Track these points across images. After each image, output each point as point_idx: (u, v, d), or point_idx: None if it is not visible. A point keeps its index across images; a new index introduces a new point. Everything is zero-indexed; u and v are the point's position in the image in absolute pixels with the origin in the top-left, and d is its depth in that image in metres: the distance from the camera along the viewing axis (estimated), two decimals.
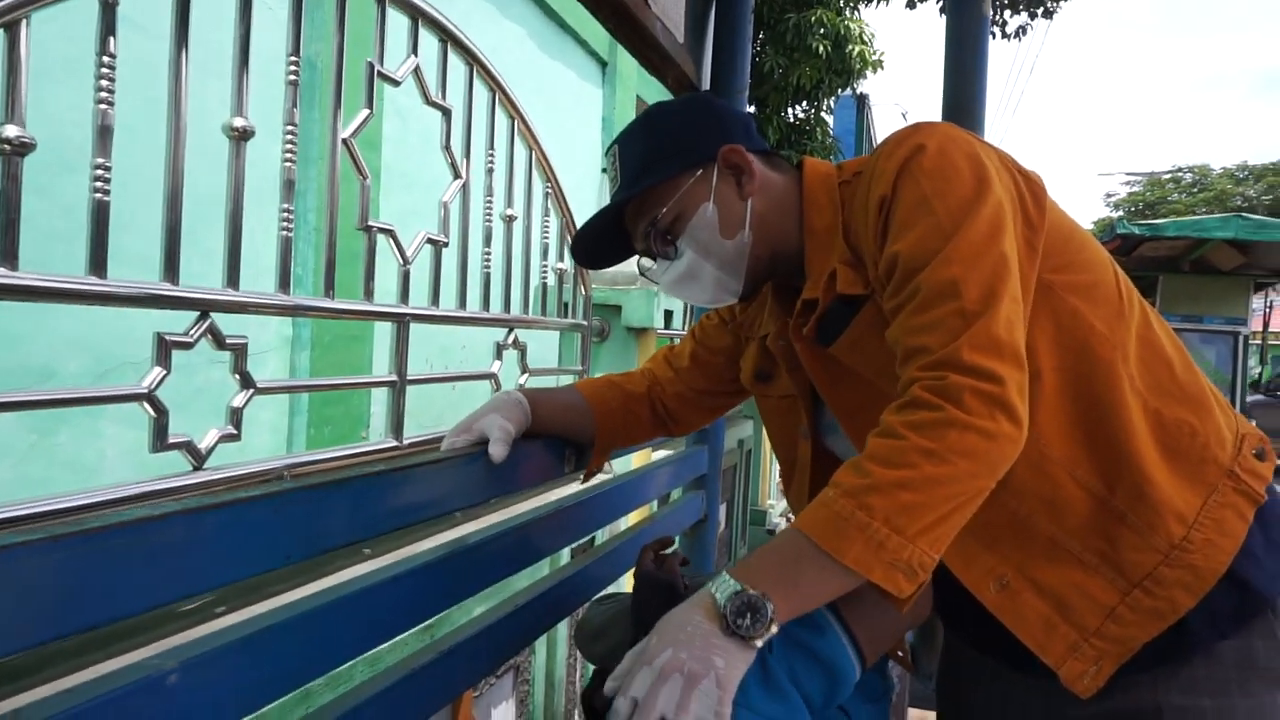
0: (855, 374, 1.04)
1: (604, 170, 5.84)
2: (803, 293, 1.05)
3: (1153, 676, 0.96)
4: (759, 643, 0.79)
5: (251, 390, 1.41)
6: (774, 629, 0.79)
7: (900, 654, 1.15)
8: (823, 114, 8.63)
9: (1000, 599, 0.98)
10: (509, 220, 2.13)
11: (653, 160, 1.03)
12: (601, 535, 2.38)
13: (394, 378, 1.78)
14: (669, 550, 1.26)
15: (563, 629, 2.61)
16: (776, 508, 6.01)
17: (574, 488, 1.54)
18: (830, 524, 0.81)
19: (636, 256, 1.33)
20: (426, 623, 1.83)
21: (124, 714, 0.56)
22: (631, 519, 2.18)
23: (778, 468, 5.75)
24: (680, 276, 1.07)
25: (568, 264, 2.48)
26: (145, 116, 1.21)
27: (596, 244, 1.15)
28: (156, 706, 0.58)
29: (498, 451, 1.04)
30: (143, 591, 0.57)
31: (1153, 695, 0.97)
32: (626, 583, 3.04)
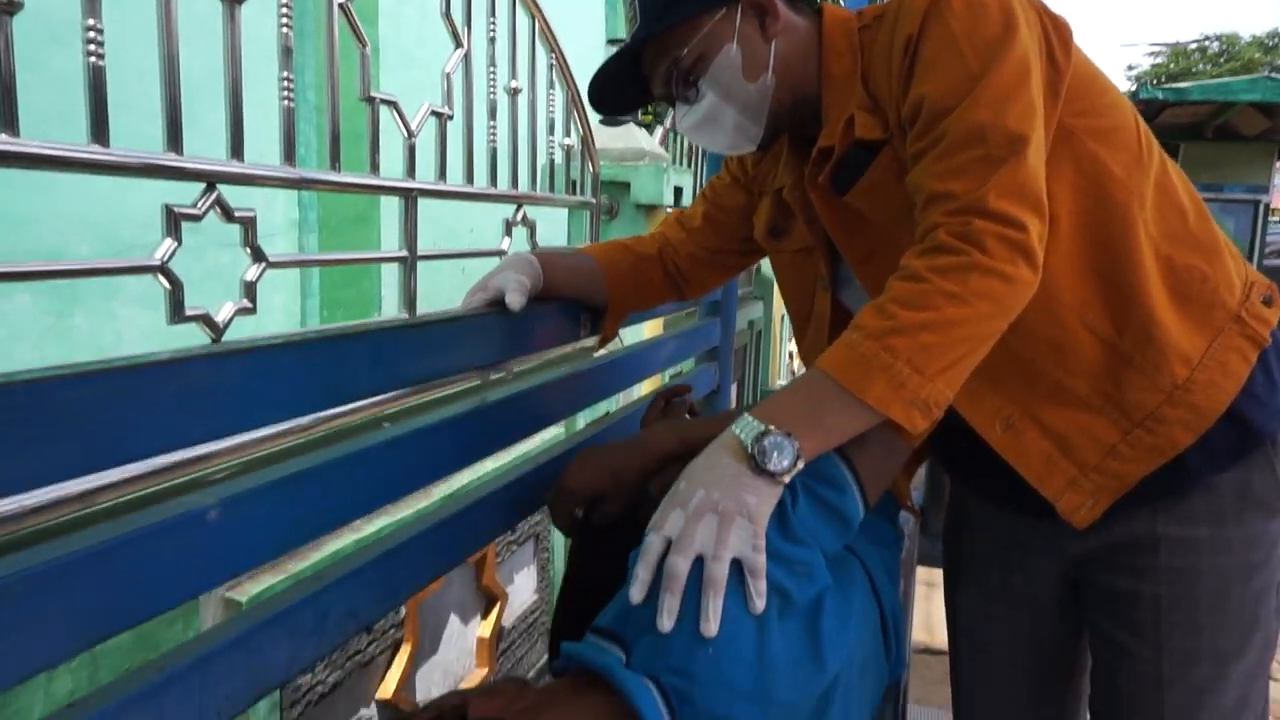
0: (871, 221, 1.03)
1: (609, 41, 5.66)
2: (819, 140, 1.03)
3: (1151, 509, 1.00)
4: (787, 479, 0.81)
5: (264, 264, 1.42)
6: (800, 465, 0.81)
7: (909, 503, 1.19)
8: None
9: (1005, 438, 1.00)
10: (514, 93, 2.08)
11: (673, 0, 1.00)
12: (616, 404, 2.43)
13: (404, 253, 1.78)
14: (680, 398, 1.27)
15: None
16: None
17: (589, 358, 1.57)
18: (854, 364, 0.82)
19: (644, 125, 1.31)
20: (449, 487, 1.90)
21: (166, 544, 0.59)
22: (644, 389, 2.21)
23: (788, 348, 5.75)
24: (701, 120, 1.05)
25: (574, 140, 2.43)
26: None
27: (614, 89, 1.11)
28: (197, 536, 0.61)
29: (514, 300, 1.04)
30: (168, 432, 0.59)
31: (1151, 527, 1.01)
32: None
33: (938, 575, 1.38)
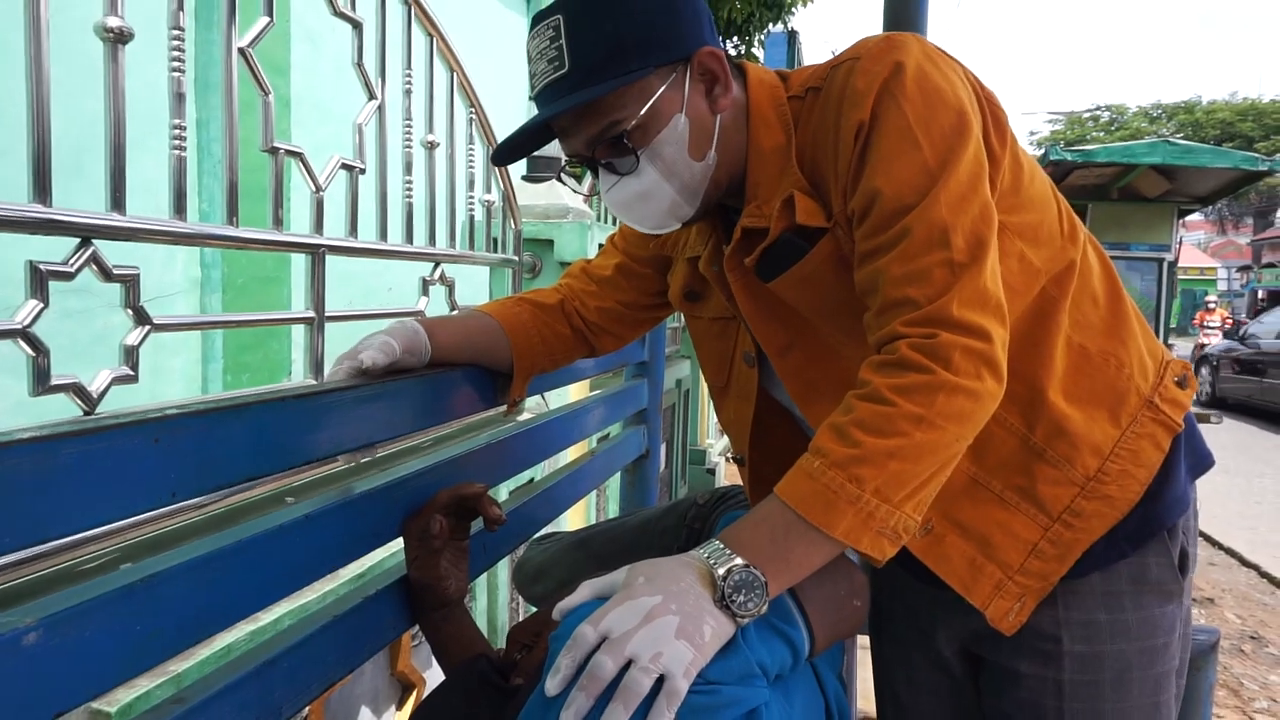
0: (790, 310, 0.98)
1: (532, 97, 5.62)
2: (743, 218, 0.96)
3: (1052, 596, 0.97)
4: (745, 621, 0.75)
5: (147, 327, 1.29)
6: (764, 610, 0.76)
7: None
8: (754, 50, 8.50)
9: (925, 544, 0.97)
10: (430, 147, 2.00)
11: (619, 49, 0.85)
12: (541, 471, 2.32)
13: (310, 314, 1.67)
14: (469, 495, 0.99)
15: (502, 571, 2.56)
16: (715, 446, 6.04)
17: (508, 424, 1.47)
18: (819, 498, 0.77)
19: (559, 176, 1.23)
20: (358, 568, 1.75)
21: None
22: (570, 455, 2.12)
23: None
24: (634, 196, 0.93)
25: (495, 196, 2.36)
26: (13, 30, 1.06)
27: (518, 140, 0.97)
28: (16, 664, 0.50)
29: (369, 357, 0.93)
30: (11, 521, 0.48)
31: (1053, 611, 0.98)
32: (567, 521, 2.99)
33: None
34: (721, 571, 0.76)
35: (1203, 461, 1.01)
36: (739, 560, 0.77)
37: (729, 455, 7.13)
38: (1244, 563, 4.95)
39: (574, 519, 2.85)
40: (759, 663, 0.76)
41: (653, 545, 1.23)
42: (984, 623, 0.98)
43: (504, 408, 1.21)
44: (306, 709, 1.62)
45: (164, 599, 0.61)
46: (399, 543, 0.98)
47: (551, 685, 0.71)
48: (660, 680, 0.69)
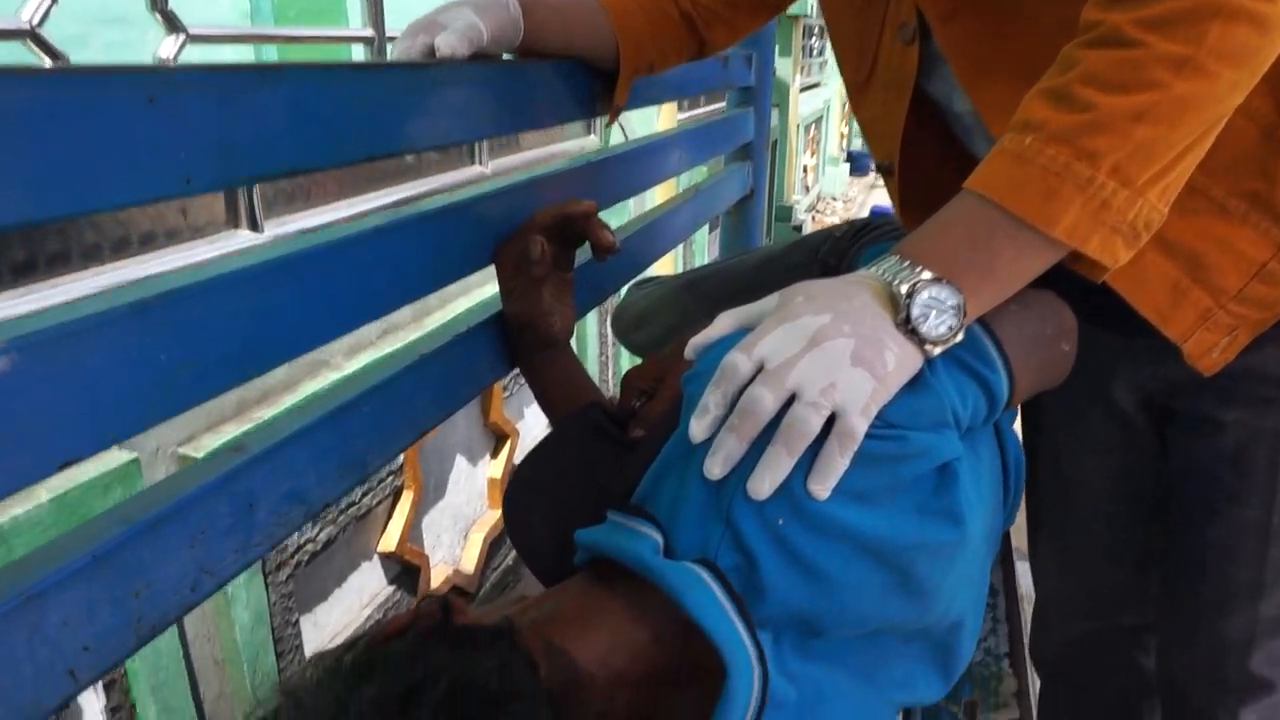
0: None
1: None
2: None
3: (1275, 329, 0.76)
4: (937, 351, 0.57)
5: (183, 36, 1.11)
6: (959, 338, 0.57)
7: None
8: None
9: None
10: None
11: None
12: (628, 213, 2.13)
13: (370, 32, 1.45)
14: (577, 215, 0.79)
15: (590, 323, 2.45)
16: (802, 203, 5.69)
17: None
18: (1034, 184, 0.56)
19: None
20: (445, 315, 1.64)
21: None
22: (658, 196, 1.92)
23: (802, 161, 5.36)
24: None
25: None
26: None
27: None
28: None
29: (448, 44, 0.73)
30: None
31: (1277, 352, 0.78)
32: (666, 264, 2.82)
33: None
34: (905, 288, 0.57)
35: None
36: (926, 274, 0.58)
37: (815, 215, 6.78)
38: None
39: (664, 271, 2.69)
40: (951, 408, 0.59)
41: (778, 286, 1.05)
42: (1178, 368, 0.79)
43: (604, 117, 1.00)
44: (400, 458, 1.58)
45: (194, 324, 0.46)
46: (493, 286, 0.82)
47: (698, 428, 0.55)
48: (831, 420, 0.54)
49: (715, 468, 0.54)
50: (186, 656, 1.16)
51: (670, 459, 0.59)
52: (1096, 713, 1.15)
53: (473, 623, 0.56)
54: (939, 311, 0.57)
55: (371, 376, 0.63)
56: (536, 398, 0.85)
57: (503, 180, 0.84)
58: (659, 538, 0.56)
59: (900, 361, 0.55)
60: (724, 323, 0.62)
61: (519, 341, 0.83)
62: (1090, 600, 1.08)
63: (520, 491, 0.76)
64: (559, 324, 0.82)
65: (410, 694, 0.49)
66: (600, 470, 0.74)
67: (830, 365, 0.53)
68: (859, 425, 0.53)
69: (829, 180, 7.71)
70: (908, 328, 0.56)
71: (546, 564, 0.73)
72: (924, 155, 0.91)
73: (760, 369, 0.55)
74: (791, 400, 0.53)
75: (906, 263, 0.59)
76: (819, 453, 0.53)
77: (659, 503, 0.59)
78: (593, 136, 2.39)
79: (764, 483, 0.53)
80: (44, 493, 0.92)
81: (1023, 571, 1.13)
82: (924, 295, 0.56)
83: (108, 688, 1.06)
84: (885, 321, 0.57)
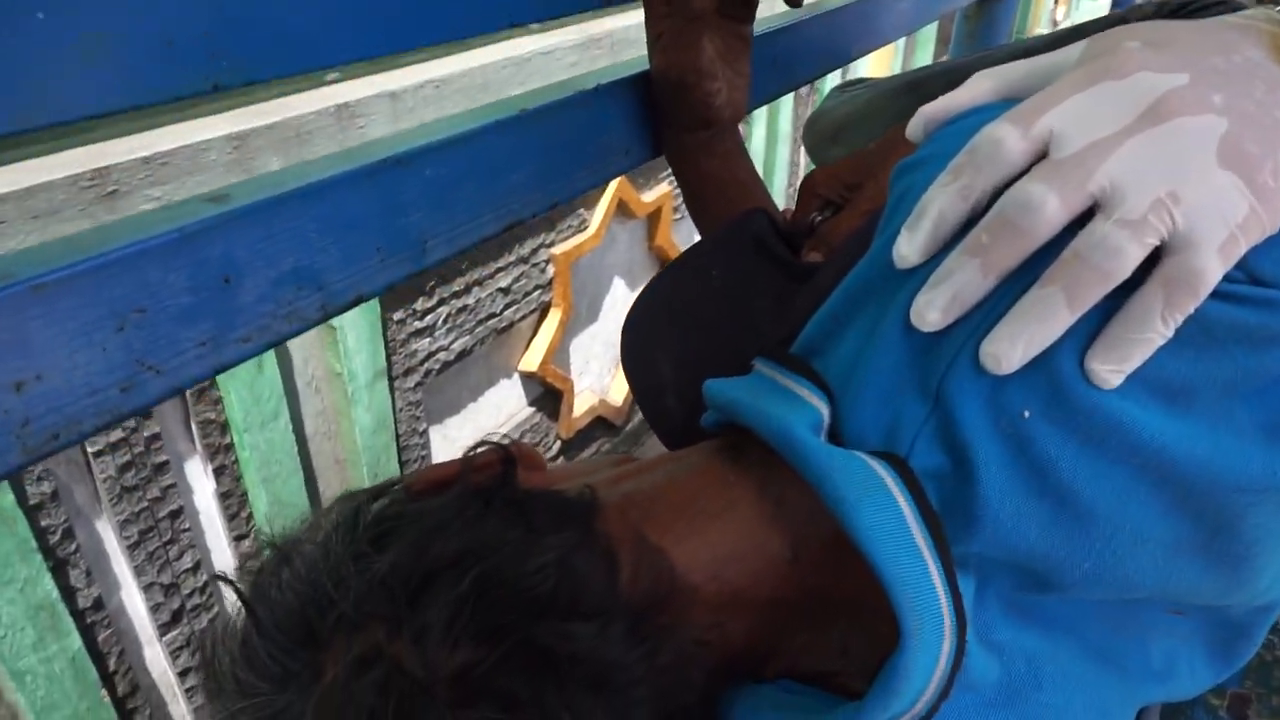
0: None
1: None
2: None
3: None
4: None
5: None
6: None
7: None
8: None
9: None
10: None
11: None
12: None
13: None
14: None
15: (783, 118, 2.17)
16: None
17: None
18: None
19: None
20: None
21: None
22: None
23: None
24: None
25: None
26: None
27: None
28: None
29: None
30: None
31: None
32: (881, 64, 2.46)
33: None
34: None
35: None
36: None
37: None
38: None
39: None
40: None
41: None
42: None
43: None
44: (549, 271, 1.44)
45: None
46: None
47: (909, 245, 0.33)
48: (1154, 257, 0.30)
49: (932, 312, 0.32)
50: (305, 453, 1.11)
51: (856, 293, 0.38)
52: None
53: (539, 488, 0.39)
54: None
55: (441, 127, 0.44)
56: (686, 198, 0.65)
57: None
58: (824, 409, 0.36)
59: None
60: (981, 86, 0.39)
61: (668, 113, 0.62)
62: None
63: (645, 318, 0.57)
64: (724, 95, 0.60)
65: (426, 583, 0.33)
66: (757, 301, 0.54)
67: (1177, 159, 0.29)
68: (1211, 269, 0.29)
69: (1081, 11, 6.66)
70: None
71: (673, 422, 0.55)
72: None
73: (1043, 155, 0.32)
74: (1090, 215, 0.30)
75: None
76: (1123, 308, 0.30)
77: (831, 357, 0.38)
78: None
79: (1014, 347, 0.31)
80: None
81: None
82: None
83: (218, 473, 1.01)
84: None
